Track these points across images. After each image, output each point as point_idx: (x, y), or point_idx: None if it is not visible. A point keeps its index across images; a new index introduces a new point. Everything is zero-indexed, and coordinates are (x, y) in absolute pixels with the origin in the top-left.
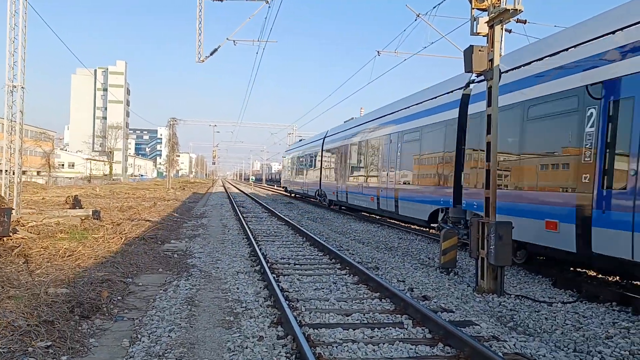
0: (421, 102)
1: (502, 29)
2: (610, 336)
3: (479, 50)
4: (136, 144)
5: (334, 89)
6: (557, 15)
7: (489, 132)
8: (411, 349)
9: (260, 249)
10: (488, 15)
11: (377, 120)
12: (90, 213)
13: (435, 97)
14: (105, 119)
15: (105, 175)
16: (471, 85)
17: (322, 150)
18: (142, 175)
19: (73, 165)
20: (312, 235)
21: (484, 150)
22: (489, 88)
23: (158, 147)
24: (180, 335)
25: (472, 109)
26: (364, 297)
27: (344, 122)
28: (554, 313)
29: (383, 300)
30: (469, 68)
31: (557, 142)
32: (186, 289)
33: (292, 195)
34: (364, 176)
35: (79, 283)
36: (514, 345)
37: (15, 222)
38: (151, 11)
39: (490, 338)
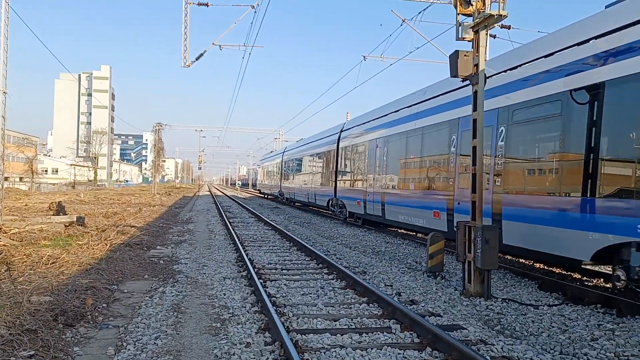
0: (318, 140)
1: (487, 34)
2: (595, 338)
3: (464, 55)
4: (121, 149)
5: (320, 93)
6: (541, 21)
7: (475, 137)
8: (399, 353)
9: (247, 255)
10: (473, 20)
11: (301, 147)
12: (75, 219)
13: (323, 138)
14: (90, 124)
15: (90, 181)
16: (342, 133)
17: (282, 162)
18: (127, 181)
19: (57, 171)
20: (299, 240)
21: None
22: (475, 92)
23: (143, 153)
24: (167, 342)
25: (341, 145)
26: (351, 302)
27: (296, 141)
28: (540, 316)
29: (371, 304)
30: (454, 72)
31: (439, 157)
32: (172, 296)
33: (266, 197)
34: (296, 180)
35: (62, 291)
36: (502, 348)
37: None
38: (136, 15)
39: (478, 342)
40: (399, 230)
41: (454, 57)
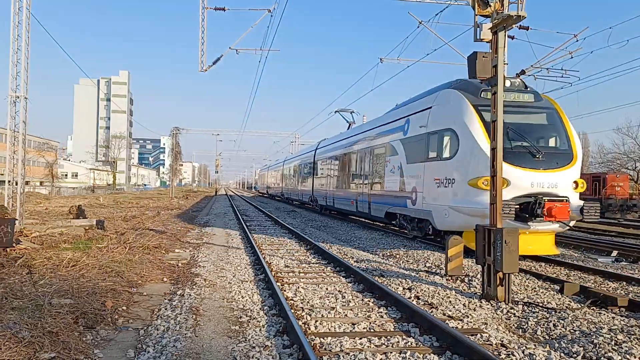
0: (304, 154)
1: (505, 35)
2: (619, 342)
3: (483, 57)
4: (139, 153)
5: (337, 95)
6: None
7: (494, 138)
8: (418, 357)
9: (264, 258)
10: (491, 21)
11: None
12: (94, 223)
13: (306, 153)
14: (109, 128)
15: (109, 185)
16: (317, 150)
17: (282, 169)
18: (145, 185)
19: (76, 175)
20: (315, 243)
21: (323, 176)
22: (494, 94)
23: (161, 157)
24: (186, 345)
25: (317, 157)
26: (370, 306)
27: (291, 153)
28: (562, 320)
29: (389, 308)
30: (472, 74)
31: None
32: (191, 298)
33: (272, 198)
34: (290, 183)
35: (83, 293)
36: (523, 352)
37: (18, 232)
38: (153, 21)
39: (499, 346)
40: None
41: (473, 59)
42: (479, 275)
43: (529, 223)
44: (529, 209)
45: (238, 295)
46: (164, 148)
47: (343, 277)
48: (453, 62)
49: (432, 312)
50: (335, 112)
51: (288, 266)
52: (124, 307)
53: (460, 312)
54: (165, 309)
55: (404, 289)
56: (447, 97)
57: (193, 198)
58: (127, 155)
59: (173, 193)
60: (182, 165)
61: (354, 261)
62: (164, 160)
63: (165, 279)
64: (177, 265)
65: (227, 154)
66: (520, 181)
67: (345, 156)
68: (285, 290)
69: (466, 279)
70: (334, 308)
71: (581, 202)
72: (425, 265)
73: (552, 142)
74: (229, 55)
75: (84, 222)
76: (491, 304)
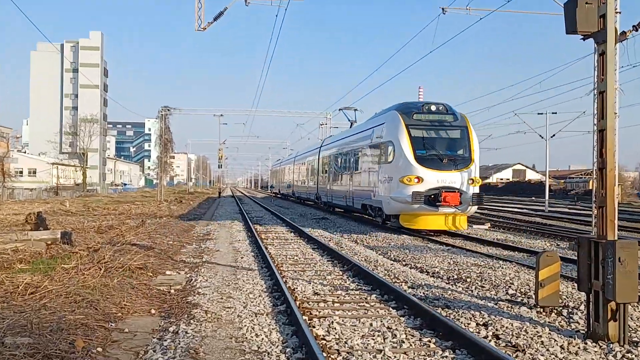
0: (310, 150)
1: None
2: None
3: (586, 3)
4: (117, 142)
5: (383, 61)
6: None
7: (603, 117)
8: None
9: (285, 282)
10: None
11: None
12: (59, 236)
13: (311, 149)
14: (76, 109)
15: (78, 184)
16: (321, 147)
17: (294, 165)
18: (125, 184)
19: (34, 173)
20: (355, 263)
21: (325, 172)
22: (602, 54)
23: (146, 146)
24: None
25: (321, 154)
26: (430, 348)
27: (297, 151)
28: None
29: (458, 352)
30: (572, 28)
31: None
32: (188, 337)
33: (282, 197)
34: (299, 181)
35: (45, 330)
36: None
37: None
38: None
39: None
40: (490, 248)
41: (572, 7)
42: (582, 306)
43: (439, 208)
44: (436, 197)
45: (251, 333)
46: (150, 135)
47: (393, 307)
48: (542, 11)
49: (517, 357)
50: (340, 110)
51: (318, 293)
52: (100, 349)
53: (557, 357)
54: (154, 351)
55: (477, 324)
56: (392, 116)
57: (189, 202)
58: (101, 144)
59: (162, 195)
60: (173, 157)
61: (409, 287)
62: (149, 151)
63: (153, 311)
64: (169, 292)
65: (234, 141)
66: (430, 178)
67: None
68: (314, 327)
69: (564, 312)
70: (381, 351)
71: (478, 194)
72: (507, 292)
73: (460, 151)
74: (235, 8)
75: (46, 234)
76: (600, 346)
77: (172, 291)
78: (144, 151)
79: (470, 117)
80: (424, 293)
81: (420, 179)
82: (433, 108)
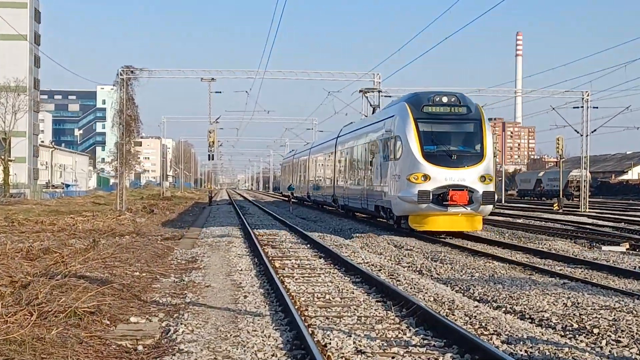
0: (325, 142)
1: None
2: None
3: None
4: (56, 122)
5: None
6: None
7: None
8: None
9: (312, 334)
10: None
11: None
12: None
13: (325, 142)
14: None
15: None
16: (338, 138)
17: (309, 158)
18: (68, 186)
19: None
20: (420, 304)
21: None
22: None
23: (99, 128)
24: None
25: (338, 147)
26: None
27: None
28: None
29: None
30: None
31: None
32: None
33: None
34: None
35: None
36: None
37: None
38: None
39: None
40: (628, 282)
41: None
42: None
43: (448, 208)
44: (444, 197)
45: None
46: (104, 111)
47: None
48: None
49: None
50: (360, 92)
51: (362, 351)
52: None
53: None
54: None
55: None
56: (400, 109)
57: (165, 212)
58: (30, 125)
59: (124, 202)
60: (140, 144)
61: (503, 341)
62: (103, 135)
63: None
64: (135, 350)
65: (233, 118)
66: (438, 176)
67: None
68: None
69: None
70: None
71: (490, 192)
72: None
73: (471, 146)
74: None
75: None
76: None
77: (140, 348)
78: (95, 135)
79: (595, 80)
80: (526, 352)
81: (427, 177)
82: (445, 99)
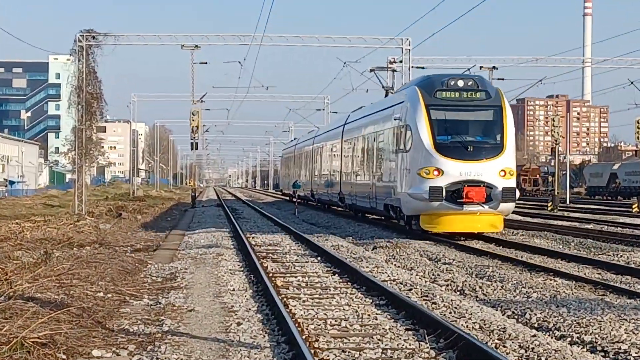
0: (330, 130)
1: None
2: None
3: None
4: None
5: None
6: None
7: None
8: None
9: None
10: None
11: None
12: None
13: (332, 129)
14: None
15: None
16: (345, 125)
17: (312, 149)
18: (12, 182)
19: None
20: (461, 332)
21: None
22: None
23: (51, 109)
24: None
25: (345, 135)
26: None
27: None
28: None
29: None
30: None
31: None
32: None
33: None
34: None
35: None
36: None
37: None
38: None
39: None
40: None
41: None
42: None
43: (463, 206)
44: (458, 193)
45: None
46: (59, 87)
47: None
48: None
49: None
50: (371, 71)
51: None
52: None
53: None
54: None
55: None
56: (411, 94)
57: (135, 215)
58: None
59: (84, 204)
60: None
61: None
62: (57, 118)
63: None
64: None
65: (222, 96)
66: (452, 170)
67: None
68: None
69: None
70: None
71: (510, 188)
72: None
73: (490, 137)
74: None
75: None
76: None
77: None
78: (47, 118)
79: None
80: None
81: (440, 172)
82: (460, 83)
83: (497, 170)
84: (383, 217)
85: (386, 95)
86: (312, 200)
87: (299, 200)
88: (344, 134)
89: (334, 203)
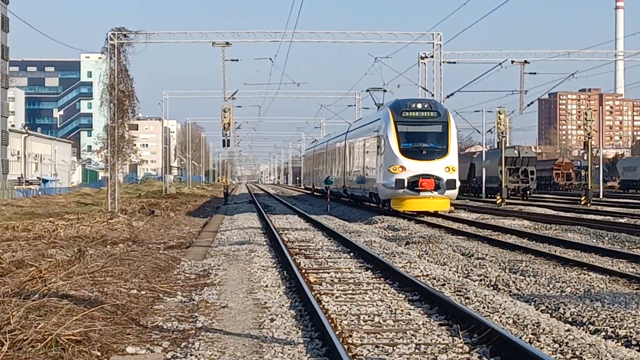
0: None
1: None
2: None
3: None
4: (30, 100)
5: None
6: None
7: None
8: None
9: None
10: None
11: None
12: None
13: (335, 137)
14: None
15: None
16: (347, 134)
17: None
18: (46, 181)
19: None
20: (494, 327)
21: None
22: None
23: (84, 108)
24: None
25: (347, 142)
26: None
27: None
28: None
29: None
30: None
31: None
32: None
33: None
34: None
35: None
36: None
37: None
38: None
39: None
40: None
41: None
42: None
43: (420, 192)
44: (415, 183)
45: None
46: (91, 86)
47: None
48: None
49: None
50: (367, 91)
51: None
52: None
53: None
54: None
55: None
56: (384, 113)
57: (168, 212)
58: None
59: (117, 202)
60: (137, 128)
61: None
62: (89, 116)
63: None
64: None
65: (253, 93)
66: (412, 167)
67: None
68: None
69: None
70: None
71: (452, 179)
72: None
73: (438, 143)
74: None
75: None
76: None
77: None
78: (79, 116)
79: None
80: None
81: (403, 168)
82: (419, 106)
83: (443, 167)
84: (369, 202)
85: (379, 109)
86: (344, 196)
87: (332, 197)
88: (347, 138)
89: (366, 199)
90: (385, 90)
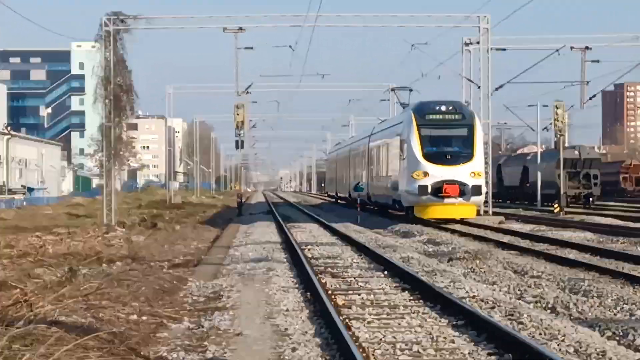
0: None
1: None
2: None
3: None
4: (14, 96)
5: None
6: None
7: None
8: None
9: None
10: None
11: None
12: None
13: (359, 140)
14: None
15: None
16: (371, 137)
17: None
18: (31, 189)
19: None
20: (551, 357)
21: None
22: None
23: (75, 104)
24: None
25: (370, 145)
26: None
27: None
28: None
29: None
30: None
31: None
32: None
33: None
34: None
35: None
36: None
37: None
38: None
39: None
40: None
41: None
42: None
43: (444, 199)
44: (440, 190)
45: None
46: (82, 79)
47: None
48: None
49: None
50: (392, 90)
51: None
52: None
53: None
54: None
55: None
56: (407, 116)
57: (174, 225)
58: None
59: (114, 212)
60: (136, 127)
61: None
62: (82, 114)
63: None
64: None
65: (270, 87)
66: (436, 172)
67: None
68: None
69: None
70: None
71: (478, 185)
72: None
73: (463, 148)
74: None
75: None
76: None
77: None
78: (70, 115)
79: None
80: None
81: (426, 174)
82: (443, 108)
83: (468, 172)
84: (393, 210)
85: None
86: (368, 204)
87: (360, 205)
88: (370, 142)
89: (389, 206)
90: (411, 90)
